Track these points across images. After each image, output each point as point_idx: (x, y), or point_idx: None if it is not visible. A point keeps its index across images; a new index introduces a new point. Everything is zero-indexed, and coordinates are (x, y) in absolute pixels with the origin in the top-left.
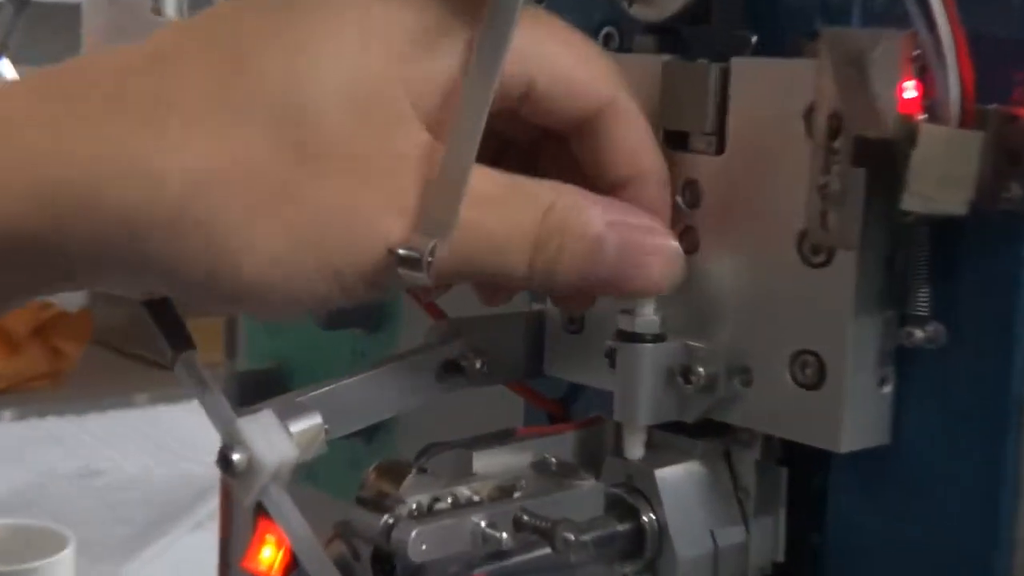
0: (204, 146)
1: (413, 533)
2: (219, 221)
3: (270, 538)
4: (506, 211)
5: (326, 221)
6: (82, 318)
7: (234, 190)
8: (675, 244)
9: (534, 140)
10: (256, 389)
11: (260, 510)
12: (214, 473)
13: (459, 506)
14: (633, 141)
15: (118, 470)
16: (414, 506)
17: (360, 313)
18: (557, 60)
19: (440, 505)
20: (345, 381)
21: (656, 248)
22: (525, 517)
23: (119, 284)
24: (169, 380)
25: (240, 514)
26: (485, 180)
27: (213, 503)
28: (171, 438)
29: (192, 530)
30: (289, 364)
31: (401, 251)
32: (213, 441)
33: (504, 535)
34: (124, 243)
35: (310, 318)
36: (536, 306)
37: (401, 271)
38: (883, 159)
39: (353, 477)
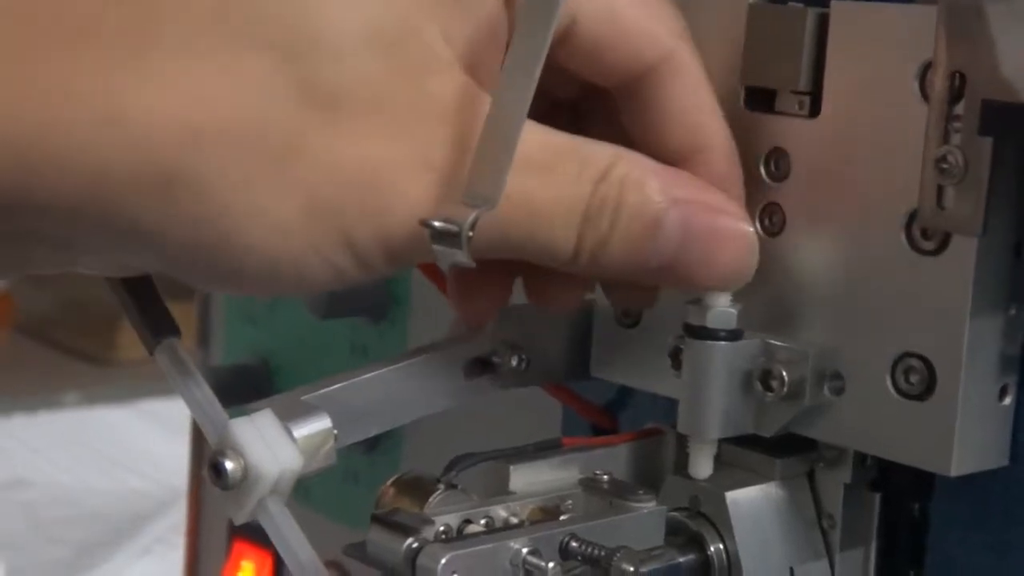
0: (196, 87)
1: (443, 560)
2: (216, 182)
3: (247, 565)
4: (552, 177)
5: (343, 180)
6: (2, 303)
7: (233, 143)
8: (750, 229)
9: (579, 99)
10: (233, 388)
11: (235, 531)
12: (163, 489)
13: (495, 529)
14: (694, 107)
15: (49, 482)
16: (442, 528)
17: (361, 300)
18: None
19: (472, 527)
20: (356, 378)
21: (728, 233)
22: (574, 543)
23: (97, 259)
24: (108, 377)
25: (210, 536)
26: (533, 138)
27: (163, 524)
28: (112, 446)
29: (138, 556)
30: (274, 359)
31: (437, 223)
32: (163, 451)
33: (550, 564)
34: (100, 207)
35: (303, 305)
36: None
37: (436, 247)
38: (1014, 128)
39: (350, 494)
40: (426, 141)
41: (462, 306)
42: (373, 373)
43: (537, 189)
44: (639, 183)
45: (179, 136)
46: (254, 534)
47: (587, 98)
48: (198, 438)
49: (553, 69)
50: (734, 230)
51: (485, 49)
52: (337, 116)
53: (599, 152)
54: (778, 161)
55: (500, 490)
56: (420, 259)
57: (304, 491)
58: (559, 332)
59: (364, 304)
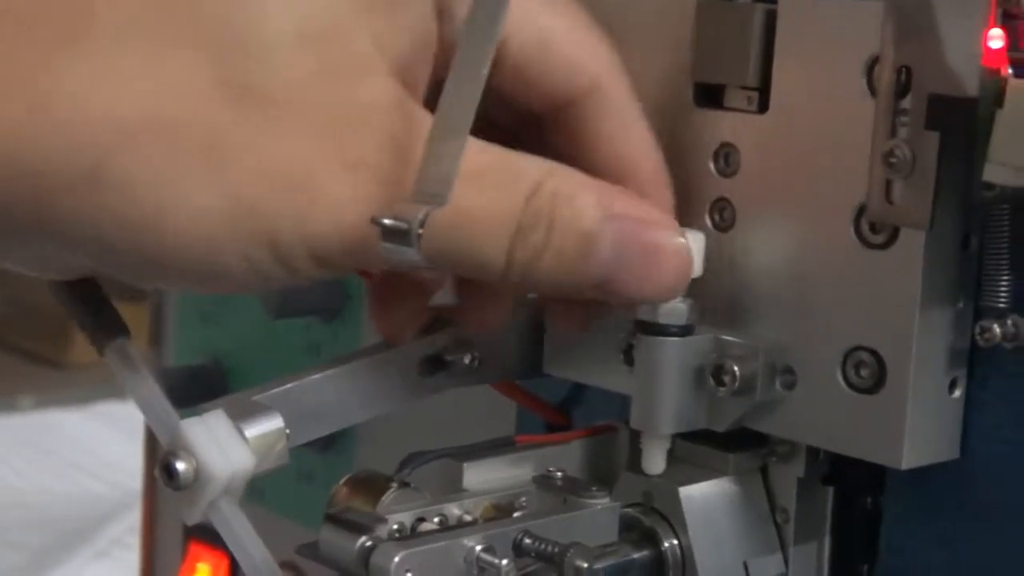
0: (124, 81)
1: (396, 558)
2: (140, 178)
3: (203, 567)
4: (484, 188)
5: (268, 180)
6: None
7: (158, 140)
8: (684, 242)
9: (515, 124)
10: (186, 389)
11: (191, 533)
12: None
13: (449, 527)
14: (622, 136)
15: (2, 486)
16: (396, 526)
17: (315, 300)
18: (538, 19)
19: (426, 525)
20: (308, 378)
21: (663, 247)
22: (527, 540)
23: (25, 256)
24: (62, 380)
25: (166, 538)
26: (468, 151)
27: (119, 527)
28: (67, 449)
29: (94, 560)
30: (227, 359)
31: (386, 220)
32: (118, 453)
33: (503, 562)
34: (25, 199)
35: (256, 305)
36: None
37: (385, 245)
38: (961, 121)
39: (305, 493)
40: (352, 144)
41: (380, 321)
42: (325, 372)
43: (470, 199)
44: (571, 197)
45: (105, 129)
46: (210, 536)
47: (524, 124)
48: (152, 440)
49: (489, 92)
50: (669, 244)
51: (415, 61)
52: (262, 115)
53: (532, 165)
54: (728, 156)
55: (453, 488)
56: (349, 264)
57: (259, 491)
58: (512, 330)
59: (318, 304)
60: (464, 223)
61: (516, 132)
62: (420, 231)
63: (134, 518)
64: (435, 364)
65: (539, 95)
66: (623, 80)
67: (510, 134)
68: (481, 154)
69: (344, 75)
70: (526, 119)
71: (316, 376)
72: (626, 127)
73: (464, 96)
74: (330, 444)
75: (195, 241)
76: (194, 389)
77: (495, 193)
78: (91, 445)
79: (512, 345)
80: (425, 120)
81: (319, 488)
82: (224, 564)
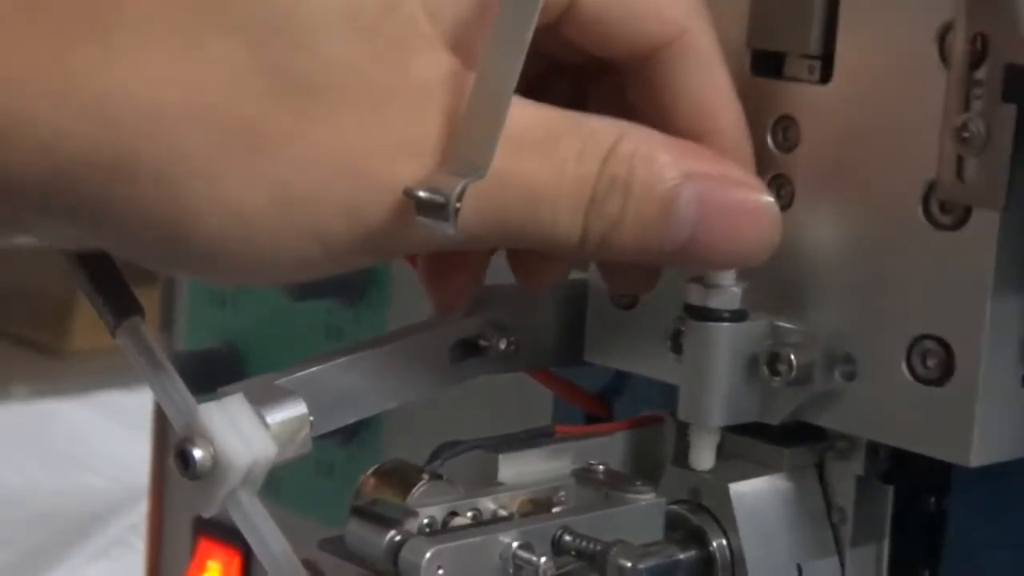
0: (158, 68)
1: (428, 554)
2: (175, 168)
3: (214, 565)
4: (554, 156)
5: (317, 172)
6: None
7: (196, 129)
8: (772, 200)
9: (583, 64)
10: (198, 375)
11: (200, 529)
12: (120, 486)
13: (483, 522)
14: (705, 89)
15: None
16: (427, 520)
17: (337, 280)
18: None
19: (459, 520)
20: (333, 362)
21: (747, 206)
22: (567, 537)
23: (46, 232)
24: (60, 369)
25: (174, 534)
26: (528, 115)
27: (120, 525)
28: (64, 442)
29: (92, 560)
30: (242, 343)
31: (421, 193)
32: (119, 446)
33: (542, 559)
34: (53, 185)
35: (275, 288)
36: (577, 275)
37: (421, 219)
38: None
39: (325, 488)
40: (409, 127)
41: (432, 289)
42: (351, 356)
43: (536, 171)
44: (649, 158)
45: (138, 117)
46: (220, 532)
47: (592, 64)
48: (160, 430)
49: (560, 38)
50: (754, 202)
51: (472, 26)
52: (310, 104)
53: (603, 127)
54: (786, 130)
55: (488, 481)
56: (401, 251)
57: (275, 485)
58: (551, 313)
59: (340, 285)
60: (531, 194)
61: (583, 72)
62: (458, 205)
63: (136, 515)
64: (468, 349)
65: (618, 45)
66: (708, 27)
67: (576, 75)
68: (548, 119)
69: (394, 54)
70: (597, 70)
71: (341, 360)
72: (709, 78)
73: (506, 59)
74: (353, 435)
75: (235, 235)
76: (206, 375)
77: (567, 161)
78: (90, 437)
79: (551, 330)
80: None
81: (339, 483)
82: (236, 562)
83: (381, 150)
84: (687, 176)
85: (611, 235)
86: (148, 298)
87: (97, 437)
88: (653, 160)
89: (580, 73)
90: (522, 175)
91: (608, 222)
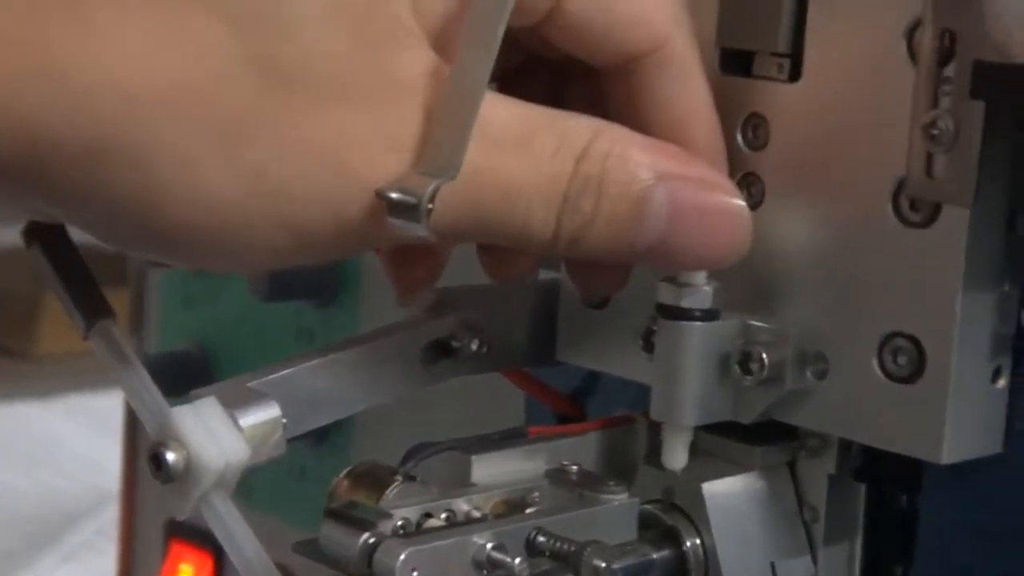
0: (139, 50)
1: (402, 555)
2: (153, 154)
3: (185, 568)
4: (528, 153)
5: (296, 163)
6: None
7: (176, 115)
8: (744, 205)
9: (563, 61)
10: (169, 377)
11: (172, 532)
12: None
13: (457, 523)
14: (682, 100)
15: None
16: (401, 522)
17: (308, 282)
18: None
19: (433, 521)
20: (305, 364)
21: (720, 209)
22: (541, 538)
23: (22, 210)
24: (27, 372)
25: (145, 537)
26: (504, 112)
27: (89, 528)
28: (32, 444)
29: (61, 563)
30: (213, 345)
31: (393, 194)
32: (88, 449)
33: (516, 560)
34: (25, 163)
35: (244, 287)
36: (548, 274)
37: (392, 220)
38: (1008, 90)
39: (296, 491)
40: (390, 121)
41: (395, 275)
42: (323, 358)
43: (512, 167)
44: (623, 158)
45: (117, 100)
46: (192, 535)
47: (572, 63)
48: (131, 433)
49: (540, 37)
50: (726, 205)
51: (455, 23)
52: (293, 94)
53: (579, 125)
54: (756, 128)
55: (461, 482)
56: (374, 246)
57: (246, 488)
58: (523, 313)
59: (311, 286)
60: (506, 192)
61: (561, 80)
62: (430, 206)
63: (106, 519)
64: (440, 350)
65: (600, 51)
66: (690, 37)
67: (554, 82)
68: (524, 116)
69: (380, 48)
70: (576, 68)
71: (313, 362)
72: (687, 89)
73: (478, 58)
74: (324, 437)
75: (209, 222)
76: (177, 376)
77: (541, 159)
78: (59, 440)
79: (522, 330)
80: None
81: (311, 485)
82: (208, 565)
83: (361, 145)
84: (660, 177)
85: (583, 234)
86: (118, 299)
87: (66, 440)
88: (627, 160)
89: (559, 69)
90: (497, 172)
91: (581, 221)
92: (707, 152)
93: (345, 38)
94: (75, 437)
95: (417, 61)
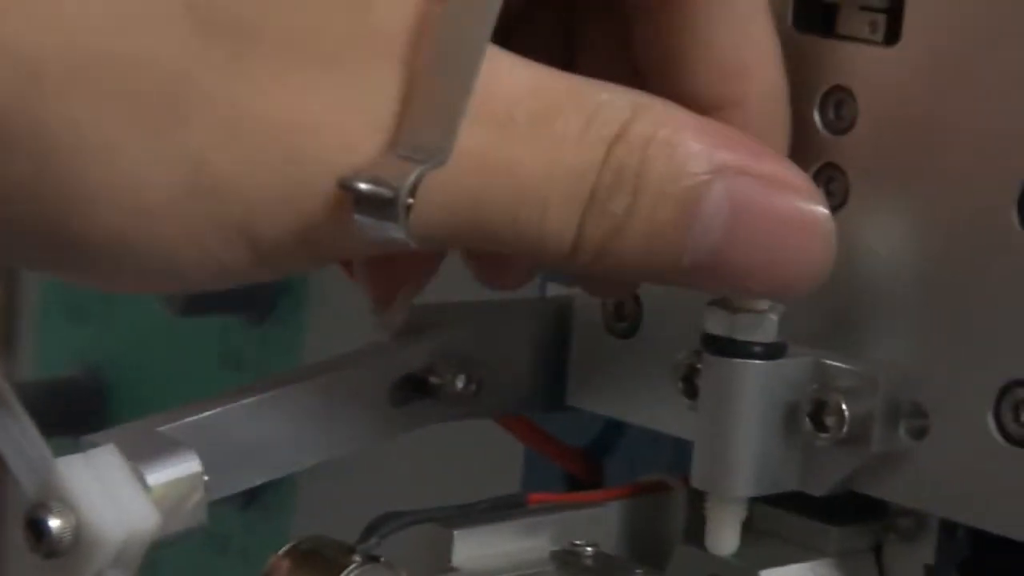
0: (47, 10)
1: None
2: (62, 136)
3: None
4: (547, 135)
5: (245, 150)
6: None
7: (92, 85)
8: (826, 211)
9: (577, 4)
10: (52, 411)
11: None
12: None
13: None
14: (740, 43)
15: None
16: None
17: (237, 292)
18: None
19: None
20: (235, 402)
21: (794, 216)
22: None
23: None
24: None
25: None
26: (518, 80)
27: None
28: None
29: None
30: (110, 371)
31: (362, 184)
32: None
33: None
34: None
35: (152, 297)
36: (557, 290)
37: (359, 219)
38: None
39: (218, 567)
40: (368, 91)
41: (370, 284)
42: (259, 396)
43: (525, 154)
44: (670, 144)
45: (14, 69)
46: None
47: (589, 9)
48: (3, 485)
49: None
50: (804, 212)
51: None
52: (245, 52)
53: (615, 100)
54: (839, 105)
55: (439, 564)
56: (347, 254)
57: (149, 562)
58: (524, 342)
59: (239, 296)
60: (515, 187)
61: (575, 23)
62: (409, 201)
63: None
64: (414, 388)
65: None
66: None
67: (565, 26)
68: (542, 86)
69: None
70: (596, 4)
71: (247, 401)
72: (745, 28)
73: (474, 8)
74: (254, 499)
75: (137, 230)
76: (60, 411)
77: (564, 144)
78: None
79: (523, 364)
80: None
81: (236, 560)
82: None
83: (331, 121)
84: (718, 171)
85: (613, 243)
86: None
87: None
88: (676, 147)
89: (572, 7)
90: (506, 160)
91: (610, 226)
92: (763, 116)
93: None
94: None
95: (399, 10)
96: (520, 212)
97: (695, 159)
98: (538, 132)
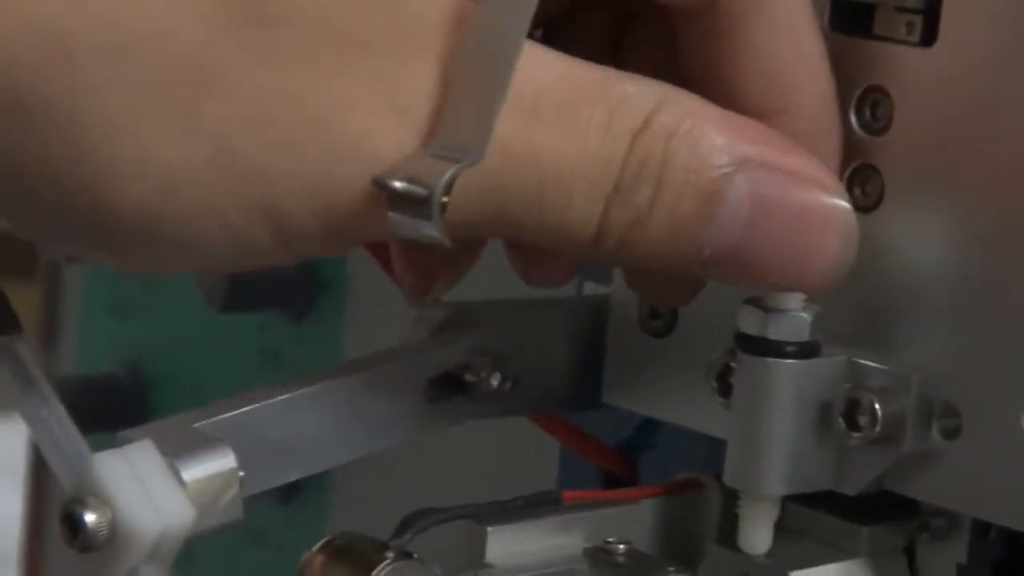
0: None
1: None
2: (88, 111)
3: None
4: (572, 124)
5: (275, 127)
6: None
7: (121, 66)
8: (847, 205)
9: (625, 9)
10: (91, 407)
11: None
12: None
13: None
14: (789, 53)
15: None
16: None
17: (277, 286)
18: None
19: None
20: (271, 400)
21: (817, 210)
22: None
23: None
24: None
25: None
26: (548, 70)
27: None
28: None
29: None
30: (149, 367)
31: (397, 183)
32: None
33: None
34: None
35: (193, 292)
36: (592, 288)
37: (393, 216)
38: None
39: (256, 561)
40: (401, 80)
41: (407, 274)
42: (296, 392)
43: (550, 142)
44: (693, 136)
45: (39, 41)
46: None
47: (637, 8)
48: (40, 478)
49: None
50: (825, 206)
51: None
52: (274, 36)
53: (640, 92)
54: (876, 106)
55: (473, 562)
56: (374, 236)
57: (186, 554)
58: (559, 340)
59: (280, 293)
60: (540, 174)
61: (619, 27)
62: (444, 199)
63: None
64: (450, 385)
65: None
66: None
67: (610, 29)
68: (569, 76)
69: None
70: (641, 9)
71: (283, 397)
72: (794, 38)
73: (511, 6)
74: (292, 494)
75: (162, 208)
76: (101, 408)
77: (589, 133)
78: None
79: (559, 362)
80: None
81: (274, 553)
82: None
83: (360, 109)
84: (741, 164)
85: (635, 233)
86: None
87: None
88: (699, 139)
89: (617, 12)
90: (532, 148)
91: (634, 215)
92: (814, 127)
93: None
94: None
95: (440, 1)
96: (544, 200)
97: (718, 152)
98: (563, 121)
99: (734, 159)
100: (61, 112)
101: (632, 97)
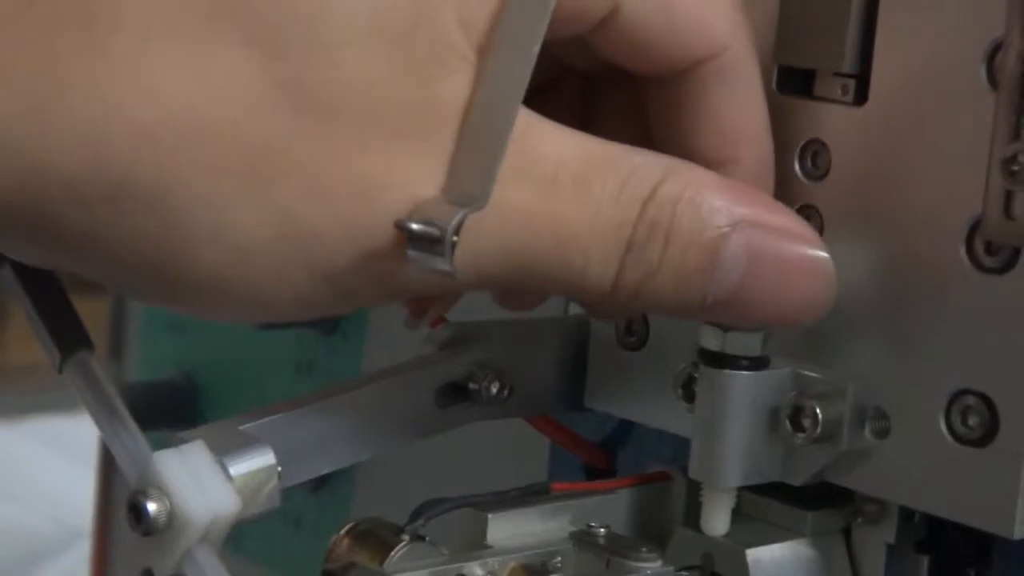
0: (161, 82)
1: None
2: (173, 193)
3: None
4: (588, 195)
5: (330, 201)
6: None
7: (198, 150)
8: (827, 257)
9: (596, 74)
10: (150, 410)
11: None
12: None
13: None
14: (737, 114)
15: None
16: None
17: None
18: None
19: None
20: (305, 405)
21: (803, 262)
22: None
23: (26, 257)
24: None
25: None
26: (563, 146)
27: (56, 570)
28: None
29: None
30: (201, 375)
31: (414, 224)
32: (58, 480)
33: None
34: (41, 214)
35: None
36: (576, 309)
37: (412, 254)
38: None
39: (290, 541)
40: (435, 155)
41: (407, 303)
42: (325, 399)
43: (569, 211)
44: (695, 202)
45: (133, 139)
46: None
47: (610, 73)
48: (107, 467)
49: (582, 46)
50: (809, 258)
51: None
52: (328, 124)
53: (647, 165)
54: (816, 156)
55: (476, 543)
56: (406, 288)
57: (235, 537)
58: (548, 354)
59: None
60: (561, 238)
61: (595, 92)
62: (455, 239)
63: (75, 559)
64: (456, 393)
65: (650, 61)
66: (751, 46)
67: (587, 94)
68: (584, 152)
69: (424, 71)
70: (614, 79)
71: (315, 403)
72: (742, 102)
73: (511, 72)
74: (322, 484)
75: (234, 271)
76: (160, 409)
77: (603, 202)
78: (23, 468)
79: (548, 372)
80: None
81: (307, 535)
82: None
83: (400, 179)
84: (737, 223)
85: (647, 285)
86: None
87: (31, 468)
88: (700, 204)
89: (593, 80)
90: (552, 215)
91: (645, 271)
92: (754, 175)
93: (387, 62)
94: (44, 465)
95: (464, 84)
96: (566, 260)
97: (717, 214)
98: (580, 191)
99: (731, 220)
100: (151, 195)
101: (640, 169)
